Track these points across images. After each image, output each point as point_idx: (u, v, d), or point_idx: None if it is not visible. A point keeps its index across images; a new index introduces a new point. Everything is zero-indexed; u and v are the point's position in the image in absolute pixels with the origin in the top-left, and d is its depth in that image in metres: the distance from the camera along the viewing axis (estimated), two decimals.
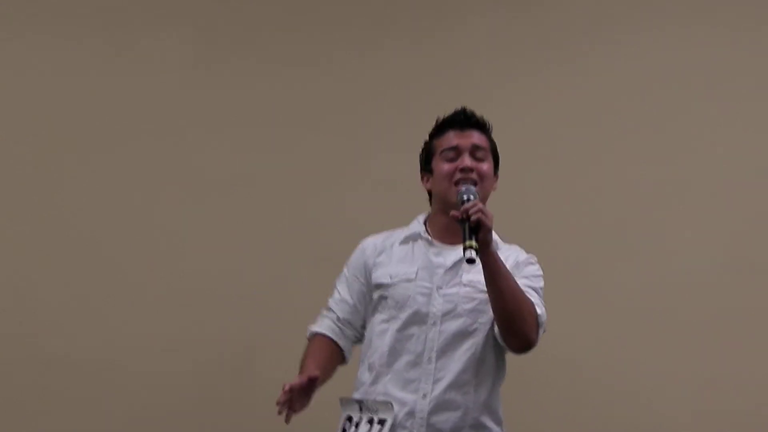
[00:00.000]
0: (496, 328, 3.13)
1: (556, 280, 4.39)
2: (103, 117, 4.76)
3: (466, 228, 2.98)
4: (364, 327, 3.30)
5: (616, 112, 4.71)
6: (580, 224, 4.63)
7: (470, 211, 2.98)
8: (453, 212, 3.04)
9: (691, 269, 4.58)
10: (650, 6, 4.77)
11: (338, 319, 3.28)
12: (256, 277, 4.56)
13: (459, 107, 3.31)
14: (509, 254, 3.24)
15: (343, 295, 3.30)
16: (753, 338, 4.50)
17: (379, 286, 3.22)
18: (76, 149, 4.74)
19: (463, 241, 2.97)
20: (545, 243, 4.45)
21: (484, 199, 3.18)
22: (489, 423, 3.16)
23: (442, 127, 3.29)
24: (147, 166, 4.75)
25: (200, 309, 4.64)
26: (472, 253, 2.94)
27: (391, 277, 3.20)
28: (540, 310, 3.14)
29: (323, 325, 3.29)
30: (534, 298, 3.15)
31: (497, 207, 4.42)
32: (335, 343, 3.27)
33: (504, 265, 3.08)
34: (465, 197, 3.07)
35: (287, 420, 3.05)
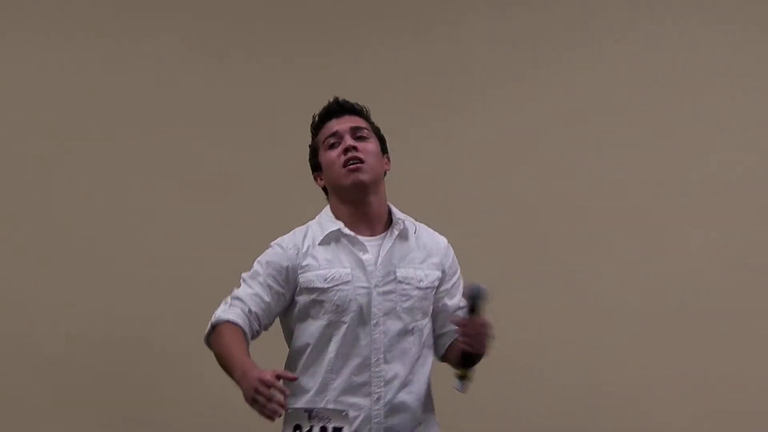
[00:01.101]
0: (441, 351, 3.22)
1: (552, 279, 4.52)
2: (102, 114, 4.65)
3: (468, 357, 3.03)
4: (266, 328, 3.18)
5: (613, 110, 4.71)
6: (576, 222, 4.63)
7: (467, 342, 3.01)
8: (455, 321, 3.08)
9: (687, 268, 4.61)
10: (651, 1, 4.78)
11: (249, 311, 3.11)
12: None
13: (331, 99, 3.28)
14: (427, 239, 3.24)
15: (257, 290, 3.13)
16: (750, 338, 4.57)
17: (311, 290, 3.11)
18: (72, 147, 4.61)
19: (459, 367, 3.05)
20: (542, 241, 4.56)
21: (377, 177, 3.17)
22: (429, 416, 3.19)
23: (319, 121, 3.26)
24: (145, 163, 4.63)
25: (198, 306, 4.37)
26: (460, 385, 3.05)
27: (326, 281, 3.10)
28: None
29: (234, 314, 3.10)
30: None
31: (492, 203, 4.49)
32: (244, 332, 3.10)
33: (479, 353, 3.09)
34: (477, 300, 3.03)
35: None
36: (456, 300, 3.22)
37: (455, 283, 3.24)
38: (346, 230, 3.17)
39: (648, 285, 4.60)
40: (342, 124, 3.20)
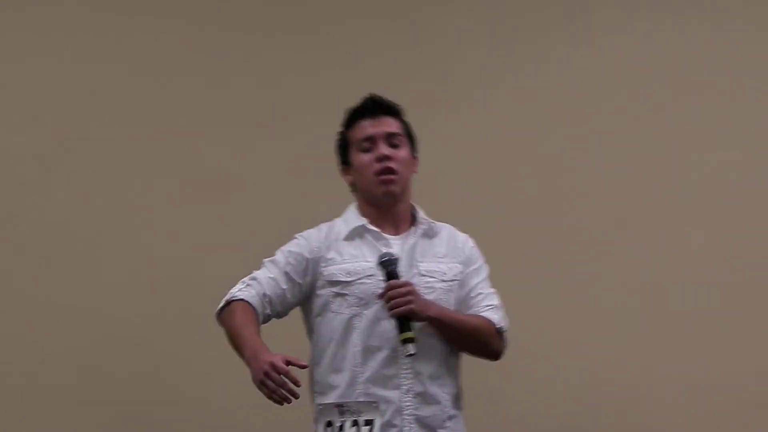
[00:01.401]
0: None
1: (549, 279, 4.51)
2: (102, 114, 4.60)
3: (402, 320, 3.01)
4: (278, 316, 3.18)
5: (611, 109, 4.69)
6: (575, 222, 4.61)
7: (390, 312, 3.01)
8: (378, 295, 3.06)
9: (686, 268, 4.59)
10: None
11: (264, 294, 3.12)
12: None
13: (367, 95, 3.28)
14: (449, 238, 3.26)
15: (275, 275, 3.15)
16: (749, 337, 4.54)
17: (334, 283, 3.12)
18: (72, 146, 4.56)
19: (398, 333, 3.01)
20: (540, 241, 4.55)
21: (406, 185, 3.21)
22: (458, 412, 3.18)
23: (353, 118, 3.27)
24: (145, 163, 4.59)
25: (198, 306, 4.38)
26: (411, 349, 2.99)
27: (349, 274, 3.12)
28: (497, 318, 3.18)
29: (248, 294, 3.11)
30: (489, 301, 3.20)
31: (489, 202, 4.50)
32: (257, 313, 3.10)
33: (448, 315, 3.10)
34: (387, 268, 3.06)
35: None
36: (470, 287, 3.20)
37: (472, 271, 3.23)
38: (371, 226, 3.19)
39: (648, 284, 4.57)
40: (377, 128, 3.20)
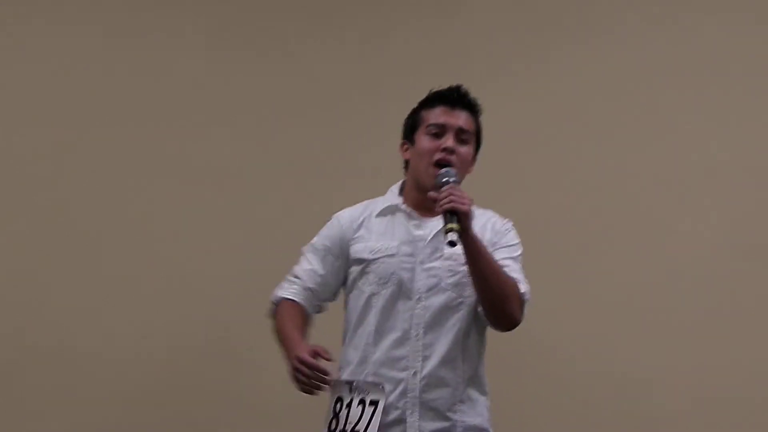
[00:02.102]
0: (480, 308, 3.09)
1: (554, 271, 4.45)
2: (109, 111, 4.71)
3: (445, 213, 2.95)
4: (329, 300, 3.26)
5: (617, 104, 4.64)
6: (577, 214, 4.59)
7: (442, 202, 2.95)
8: (431, 194, 3.02)
9: (688, 259, 4.55)
10: None
11: (306, 288, 3.21)
12: (246, 268, 4.52)
13: (454, 85, 3.25)
14: (485, 221, 3.20)
15: (314, 265, 3.22)
16: (756, 327, 4.49)
17: (359, 261, 3.16)
18: (77, 142, 4.68)
19: (444, 224, 2.94)
20: (543, 234, 4.49)
21: (459, 180, 3.13)
22: (476, 395, 3.13)
23: (433, 100, 3.23)
24: (144, 157, 4.69)
25: (194, 301, 4.62)
26: (454, 236, 2.90)
27: (372, 252, 3.14)
28: (523, 287, 3.11)
29: (291, 291, 3.21)
30: (516, 273, 3.13)
31: (495, 194, 4.41)
32: (304, 308, 3.20)
33: (484, 248, 3.04)
34: (443, 179, 3.03)
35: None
36: (497, 258, 3.11)
37: (502, 248, 3.16)
38: (404, 206, 3.20)
39: (657, 276, 4.51)
40: (451, 119, 3.18)
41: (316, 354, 2.96)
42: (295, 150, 4.69)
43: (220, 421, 4.54)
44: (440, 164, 3.12)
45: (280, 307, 3.21)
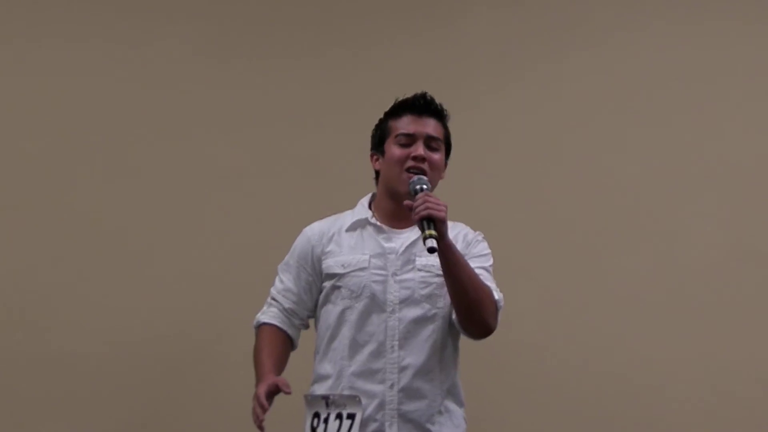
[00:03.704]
0: (454, 316, 3.09)
1: (565, 270, 4.51)
2: (111, 115, 4.71)
3: (421, 221, 2.95)
4: (309, 316, 3.25)
5: (628, 105, 4.68)
6: (588, 214, 4.62)
7: (418, 209, 2.96)
8: (406, 202, 3.01)
9: (698, 258, 4.58)
10: None
11: (284, 309, 3.22)
12: (251, 273, 4.43)
13: (420, 92, 3.24)
14: (456, 233, 3.20)
15: (287, 284, 3.23)
16: (754, 328, 4.53)
17: (331, 276, 3.15)
18: (81, 145, 4.68)
19: (422, 231, 2.94)
20: (554, 234, 4.55)
21: (432, 189, 3.14)
22: (453, 407, 3.13)
23: (398, 110, 3.23)
24: (148, 163, 4.70)
25: (190, 301, 4.61)
26: (433, 243, 2.90)
27: (343, 267, 3.14)
28: (497, 295, 3.12)
29: (270, 315, 3.22)
30: (489, 282, 3.13)
31: (503, 196, 4.52)
32: (284, 332, 3.21)
33: (460, 255, 3.05)
34: (417, 187, 3.04)
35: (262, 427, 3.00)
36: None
37: (474, 258, 3.15)
38: (373, 219, 3.19)
39: (665, 274, 4.54)
40: (420, 128, 3.18)
41: (275, 388, 2.99)
42: (292, 154, 4.70)
43: (217, 422, 4.53)
44: (412, 171, 3.11)
45: (259, 332, 3.23)
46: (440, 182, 3.21)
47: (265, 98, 4.73)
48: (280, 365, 3.16)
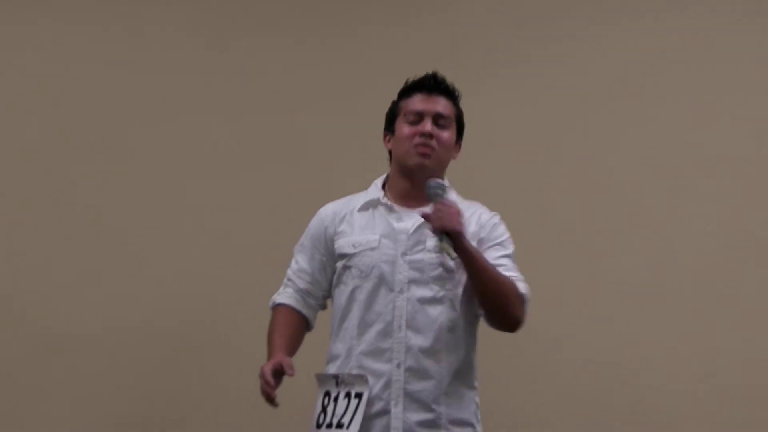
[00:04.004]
0: (481, 310, 3.11)
1: (564, 263, 4.53)
2: (105, 103, 4.76)
3: (442, 235, 2.99)
4: (325, 296, 3.28)
5: (628, 95, 4.67)
6: (592, 204, 4.62)
7: (433, 223, 2.99)
8: (423, 213, 3.04)
9: (696, 251, 4.57)
10: None
11: (299, 289, 3.25)
12: (252, 269, 4.57)
13: (430, 72, 3.26)
14: (471, 213, 3.20)
15: (302, 264, 3.26)
16: (754, 320, 4.51)
17: (343, 256, 3.18)
18: (75, 136, 4.73)
19: (437, 242, 2.99)
20: (552, 227, 4.57)
21: (442, 166, 3.19)
22: (462, 390, 3.13)
23: (409, 90, 3.26)
24: (147, 151, 4.74)
25: (192, 293, 4.67)
26: (450, 262, 2.98)
27: (354, 246, 3.16)
28: (522, 287, 3.12)
29: (285, 296, 3.26)
30: (512, 272, 3.13)
31: (504, 187, 4.52)
32: (299, 312, 3.25)
33: (480, 256, 3.05)
34: (433, 191, 3.06)
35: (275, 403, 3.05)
36: (490, 259, 3.11)
37: (493, 246, 3.16)
38: (385, 199, 3.21)
39: (662, 264, 4.53)
40: (429, 105, 3.20)
41: (280, 367, 3.03)
42: (294, 145, 4.74)
43: (218, 413, 4.59)
44: (421, 146, 3.14)
45: (274, 312, 3.27)
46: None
47: (261, 86, 4.75)
48: (292, 345, 3.20)
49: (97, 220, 4.68)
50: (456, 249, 2.99)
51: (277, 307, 3.27)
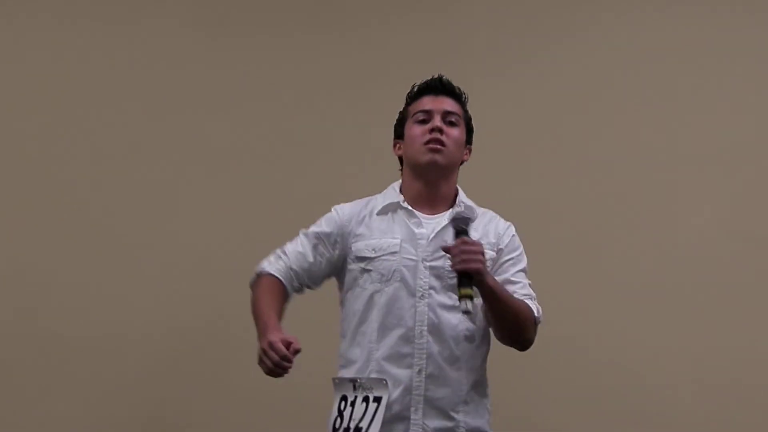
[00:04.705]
0: (495, 331, 3.13)
1: (563, 256, 4.51)
2: (102, 96, 4.71)
3: (464, 276, 2.95)
4: (307, 288, 3.24)
5: (624, 89, 4.68)
6: (586, 207, 4.62)
7: (455, 262, 2.95)
8: (443, 246, 3.02)
9: (699, 243, 4.58)
10: None
11: (290, 268, 3.19)
12: (259, 254, 4.48)
13: (436, 75, 3.28)
14: (488, 222, 3.21)
15: (304, 249, 3.21)
16: (759, 311, 4.52)
17: (361, 259, 3.15)
18: (81, 135, 4.69)
19: (458, 288, 2.95)
20: (551, 218, 4.56)
21: (454, 164, 3.19)
22: (478, 397, 3.13)
23: (416, 94, 3.27)
24: (147, 144, 4.70)
25: (195, 288, 4.61)
26: (467, 305, 2.92)
27: (374, 250, 3.14)
28: (536, 309, 3.13)
29: (276, 267, 3.19)
30: (526, 290, 3.15)
31: (503, 180, 4.53)
32: (285, 287, 3.18)
33: (500, 289, 3.05)
34: (454, 225, 3.04)
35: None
36: (507, 275, 3.14)
37: (510, 260, 3.18)
38: (405, 204, 3.19)
39: (662, 264, 4.56)
40: (436, 104, 3.21)
41: (288, 344, 2.91)
42: (294, 145, 4.70)
43: (217, 411, 4.55)
44: (432, 142, 3.14)
45: (261, 280, 3.18)
46: None
47: (260, 76, 4.73)
48: (280, 318, 3.10)
49: (98, 220, 4.62)
50: (478, 285, 2.96)
51: (264, 276, 3.19)
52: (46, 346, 4.53)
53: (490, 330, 3.16)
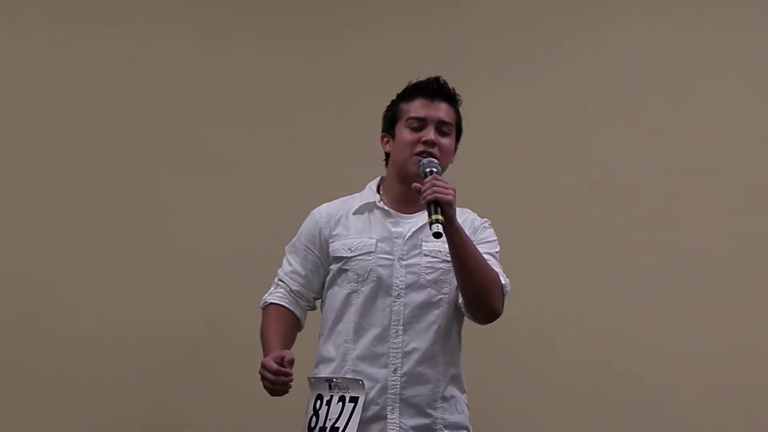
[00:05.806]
0: (461, 299, 3.09)
1: (562, 257, 4.51)
2: (110, 98, 4.71)
3: (428, 204, 2.95)
4: (316, 298, 3.27)
5: (623, 91, 4.67)
6: (586, 207, 4.61)
7: (425, 193, 2.96)
8: (415, 185, 3.02)
9: (698, 244, 4.57)
10: None
11: (290, 290, 3.23)
12: (259, 255, 4.43)
13: (433, 76, 3.24)
14: (465, 218, 3.20)
15: (294, 266, 3.24)
16: (759, 312, 4.51)
17: (338, 259, 3.16)
18: (79, 131, 4.68)
19: (429, 216, 2.94)
20: (550, 218, 4.55)
21: (441, 173, 3.13)
22: (456, 393, 3.13)
23: (411, 93, 3.23)
24: (148, 144, 4.69)
25: (194, 290, 4.62)
26: (439, 227, 2.90)
27: (350, 250, 3.14)
28: (504, 279, 3.11)
29: (277, 296, 3.24)
30: (496, 267, 3.12)
31: (503, 181, 4.53)
32: (291, 312, 3.23)
33: (469, 239, 3.05)
34: (427, 170, 3.04)
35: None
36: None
37: (482, 245, 3.14)
38: (381, 203, 3.20)
39: (662, 264, 4.53)
40: (432, 112, 3.18)
41: (281, 359, 2.98)
42: (294, 144, 4.70)
43: (217, 412, 4.55)
44: (423, 155, 3.12)
45: (266, 312, 3.25)
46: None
47: (260, 77, 4.72)
48: (287, 343, 3.17)
49: (98, 220, 4.62)
50: (447, 220, 2.94)
51: (268, 307, 3.24)
52: (46, 346, 4.54)
53: (462, 325, 3.16)
